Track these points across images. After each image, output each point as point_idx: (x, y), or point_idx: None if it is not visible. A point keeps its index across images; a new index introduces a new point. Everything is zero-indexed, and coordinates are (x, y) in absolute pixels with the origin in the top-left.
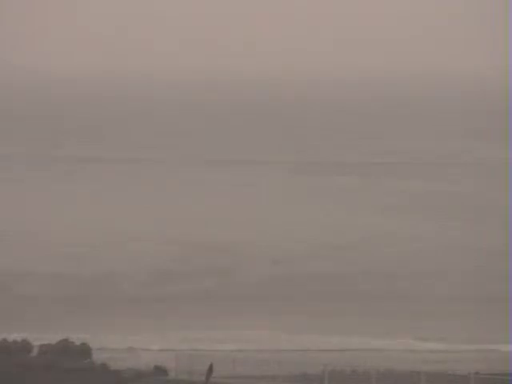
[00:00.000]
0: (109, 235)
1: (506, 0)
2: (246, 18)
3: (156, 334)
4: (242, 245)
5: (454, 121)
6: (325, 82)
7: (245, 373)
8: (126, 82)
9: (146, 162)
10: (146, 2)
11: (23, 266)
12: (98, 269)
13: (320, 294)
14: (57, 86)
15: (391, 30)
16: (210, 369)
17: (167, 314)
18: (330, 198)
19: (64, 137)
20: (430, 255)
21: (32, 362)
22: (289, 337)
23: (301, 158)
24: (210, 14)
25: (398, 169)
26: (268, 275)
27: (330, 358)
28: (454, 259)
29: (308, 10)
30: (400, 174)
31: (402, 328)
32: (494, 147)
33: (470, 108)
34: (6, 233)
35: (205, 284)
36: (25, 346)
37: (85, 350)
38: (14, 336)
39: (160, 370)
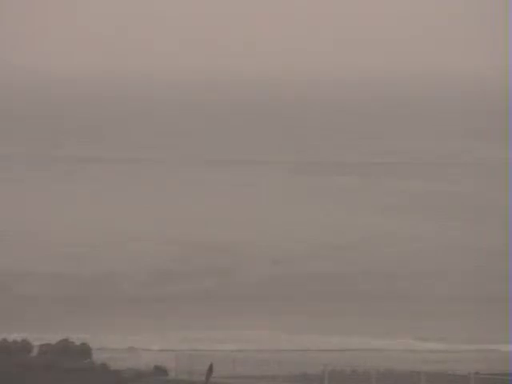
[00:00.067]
0: (109, 235)
1: (506, 0)
2: (245, 18)
3: (156, 334)
4: (241, 245)
5: (454, 121)
6: (325, 82)
7: (245, 373)
8: (125, 81)
9: (146, 162)
10: (146, 2)
11: (23, 266)
12: (98, 269)
13: (320, 294)
14: (57, 86)
15: (391, 30)
16: (210, 369)
17: (167, 314)
18: (330, 198)
19: (64, 137)
20: (429, 255)
21: (32, 362)
22: (289, 337)
23: (301, 158)
24: (209, 14)
25: (397, 169)
26: (268, 275)
27: (329, 357)
28: (453, 259)
29: (308, 10)
30: (400, 174)
31: (402, 328)
32: (494, 147)
33: (470, 108)
34: (5, 233)
35: (205, 284)
36: (25, 346)
37: (85, 350)
38: (14, 336)
39: (160, 370)
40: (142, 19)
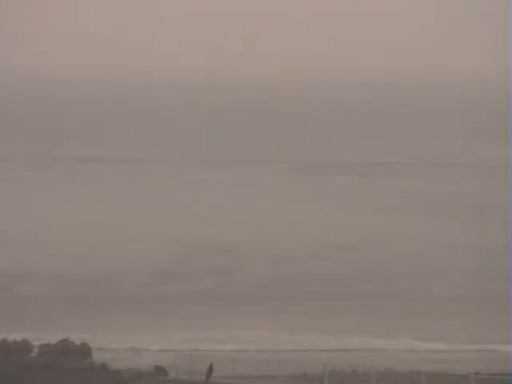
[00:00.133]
0: (109, 235)
1: (506, 0)
2: (246, 18)
3: (156, 334)
4: (241, 245)
5: (454, 121)
6: (325, 82)
7: (245, 373)
8: (125, 81)
9: (146, 162)
10: (146, 2)
11: (23, 266)
12: (98, 269)
13: (320, 294)
14: (57, 86)
15: (391, 30)
16: (210, 369)
17: (167, 314)
18: (330, 198)
19: (64, 137)
20: (429, 255)
21: (32, 362)
22: (289, 337)
23: (301, 158)
24: (210, 14)
25: (397, 169)
26: (268, 275)
27: (329, 357)
28: (454, 259)
29: (308, 10)
30: (400, 174)
31: (402, 328)
32: (494, 147)
33: (470, 108)
34: (5, 233)
35: (205, 284)
36: (25, 346)
37: (85, 350)
38: (14, 336)
39: (160, 370)
40: (142, 19)
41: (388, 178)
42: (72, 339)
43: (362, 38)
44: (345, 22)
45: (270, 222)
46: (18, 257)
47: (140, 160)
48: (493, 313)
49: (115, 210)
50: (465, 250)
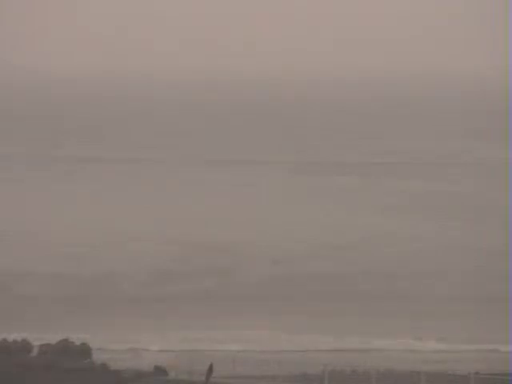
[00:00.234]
0: (109, 235)
1: (506, 0)
2: (246, 18)
3: (156, 334)
4: (241, 245)
5: (454, 121)
6: (325, 82)
7: (245, 373)
8: (125, 81)
9: (146, 162)
10: (146, 2)
11: (23, 266)
12: (98, 269)
13: (320, 294)
14: (57, 86)
15: (391, 30)
16: (210, 369)
17: (167, 314)
18: (330, 198)
19: (64, 137)
20: (430, 255)
21: (32, 361)
22: (289, 337)
23: (301, 158)
24: (210, 14)
25: (397, 169)
26: (268, 275)
27: (329, 358)
28: (454, 259)
29: (308, 10)
30: (400, 174)
31: (402, 328)
32: (494, 147)
33: (470, 108)
34: (5, 233)
35: (205, 284)
36: (25, 346)
37: (85, 350)
38: (14, 336)
39: (160, 370)
40: (142, 19)
41: (388, 178)
42: (72, 339)
43: (362, 37)
44: (345, 22)
45: (269, 221)
46: (17, 257)
47: (140, 160)
48: (493, 313)
49: (115, 210)
50: (465, 250)
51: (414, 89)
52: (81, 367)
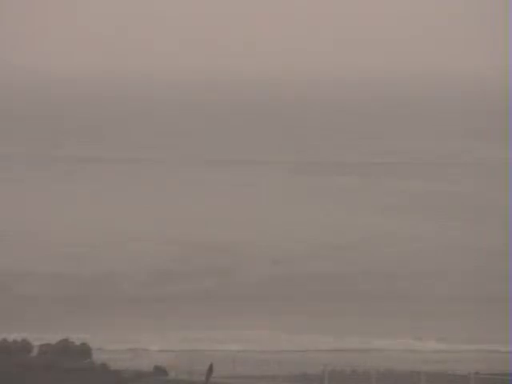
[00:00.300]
0: (109, 235)
1: (506, 0)
2: (246, 18)
3: (156, 334)
4: (241, 245)
5: (454, 121)
6: (325, 82)
7: (245, 373)
8: (125, 81)
9: (146, 162)
10: (146, 2)
11: (23, 266)
12: (98, 269)
13: (320, 294)
14: (57, 86)
15: (391, 30)
16: (210, 369)
17: (167, 314)
18: (330, 198)
19: (64, 137)
20: (430, 255)
21: (32, 361)
22: (289, 337)
23: (301, 158)
24: (210, 14)
25: (398, 169)
26: (268, 275)
27: (329, 358)
28: (454, 259)
29: (308, 10)
30: (400, 174)
31: (402, 328)
32: (494, 147)
33: (470, 108)
34: (6, 233)
35: (205, 284)
36: (25, 346)
37: (85, 350)
38: (14, 336)
39: (160, 370)
40: (142, 19)
41: (388, 177)
42: (72, 339)
43: (362, 38)
44: (345, 22)
45: (270, 221)
46: (17, 257)
47: (140, 160)
48: (493, 313)
49: (115, 210)
50: (465, 250)
51: (414, 89)
52: (81, 367)
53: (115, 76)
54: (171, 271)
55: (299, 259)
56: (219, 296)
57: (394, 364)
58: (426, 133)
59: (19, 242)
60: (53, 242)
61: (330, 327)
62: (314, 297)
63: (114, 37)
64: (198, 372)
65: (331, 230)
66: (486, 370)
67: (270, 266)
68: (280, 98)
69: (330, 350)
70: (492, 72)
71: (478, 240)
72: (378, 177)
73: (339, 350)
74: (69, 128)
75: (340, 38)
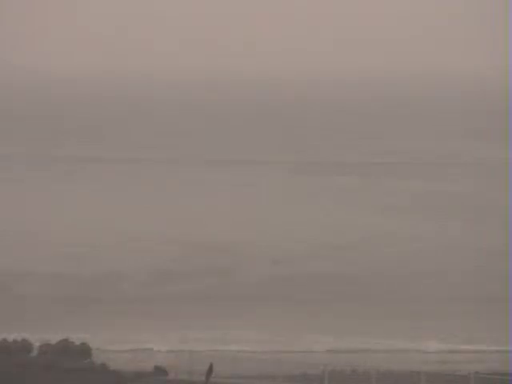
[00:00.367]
0: (109, 235)
1: (506, 0)
2: (246, 18)
3: (156, 333)
4: (242, 245)
5: (454, 121)
6: (325, 82)
7: (245, 373)
8: (125, 82)
9: (146, 162)
10: (146, 2)
11: (23, 266)
12: (98, 269)
13: (320, 294)
14: (57, 86)
15: (391, 30)
16: (210, 369)
17: (167, 314)
18: (330, 198)
19: (64, 137)
20: (429, 255)
21: (32, 361)
22: (289, 337)
23: (301, 158)
24: (210, 14)
25: (397, 169)
26: (268, 275)
27: (330, 358)
28: (454, 259)
29: (308, 10)
30: (400, 174)
31: (401, 328)
32: (493, 147)
33: (470, 108)
34: (6, 233)
35: (205, 284)
36: (25, 346)
37: (85, 350)
38: (14, 336)
39: (160, 370)
40: (142, 19)
41: (388, 178)
42: (72, 339)
43: (362, 38)
44: (345, 22)
45: (270, 221)
46: (17, 257)
47: (140, 160)
48: (493, 313)
49: (115, 210)
50: (465, 250)
51: (414, 89)
52: (81, 367)
53: (115, 76)
54: (171, 271)
55: (299, 259)
56: (219, 296)
57: (393, 364)
58: (426, 133)
59: (19, 241)
60: (53, 242)
61: (330, 327)
62: (313, 297)
63: (113, 37)
64: (197, 372)
65: (331, 229)
66: (486, 370)
67: (269, 266)
68: (280, 98)
69: (330, 350)
70: (492, 72)
71: (478, 240)
72: (378, 177)
73: (339, 350)
74: (69, 128)
75: (340, 38)
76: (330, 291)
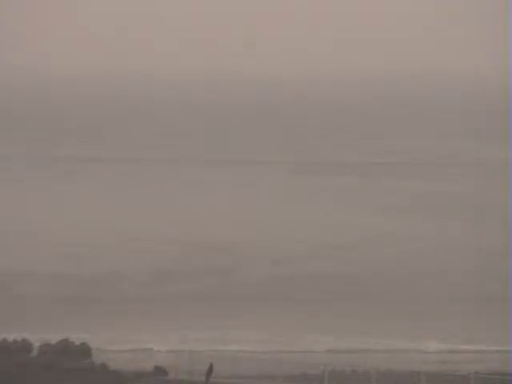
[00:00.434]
0: (109, 235)
1: (506, 0)
2: (246, 18)
3: (156, 333)
4: (242, 245)
5: (454, 121)
6: (325, 82)
7: (245, 373)
8: (125, 82)
9: (146, 162)
10: (146, 2)
11: (23, 266)
12: (98, 269)
13: (320, 294)
14: (57, 86)
15: (391, 30)
16: (210, 369)
17: (167, 314)
18: (330, 198)
19: (64, 137)
20: (429, 255)
21: (32, 361)
22: (289, 337)
23: (301, 158)
24: (210, 14)
25: (398, 169)
26: (268, 275)
27: (330, 358)
28: (454, 259)
29: (308, 10)
30: (400, 174)
31: (401, 328)
32: (494, 147)
33: (470, 108)
34: (6, 233)
35: (205, 284)
36: (25, 346)
37: (85, 350)
38: (14, 336)
39: (160, 370)
40: (142, 19)
41: (388, 178)
42: (72, 339)
43: (362, 38)
44: (345, 22)
45: (270, 221)
46: (17, 257)
47: (140, 160)
48: (493, 313)
49: (115, 210)
50: (465, 250)
51: (414, 89)
52: (81, 367)
53: (115, 76)
54: (171, 271)
55: (299, 259)
56: (219, 296)
57: (393, 364)
58: (426, 133)
59: (19, 241)
60: (53, 242)
61: (330, 327)
62: (313, 297)
63: (113, 37)
64: (198, 372)
65: (331, 229)
66: (486, 370)
67: (270, 266)
68: (280, 98)
69: (330, 350)
70: (492, 72)
71: (478, 240)
72: (378, 177)
73: (339, 350)
74: (69, 128)
75: (340, 38)
76: (330, 291)
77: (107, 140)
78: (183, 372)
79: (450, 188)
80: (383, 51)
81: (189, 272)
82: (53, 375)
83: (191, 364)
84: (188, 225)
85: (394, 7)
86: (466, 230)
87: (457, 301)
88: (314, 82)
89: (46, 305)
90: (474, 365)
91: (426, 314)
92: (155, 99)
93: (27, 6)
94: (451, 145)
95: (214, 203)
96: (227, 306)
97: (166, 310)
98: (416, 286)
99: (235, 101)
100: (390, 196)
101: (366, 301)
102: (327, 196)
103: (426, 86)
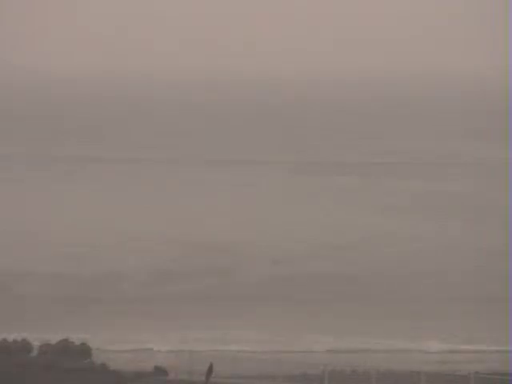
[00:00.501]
0: (109, 235)
1: (506, 0)
2: (246, 18)
3: (156, 333)
4: (242, 245)
5: (454, 121)
6: (325, 82)
7: (245, 373)
8: (125, 81)
9: (146, 162)
10: (146, 2)
11: (23, 266)
12: (98, 269)
13: (320, 294)
14: (57, 86)
15: (391, 30)
16: (210, 369)
17: (167, 314)
18: (330, 198)
19: (64, 137)
20: (429, 255)
21: (32, 361)
22: (289, 337)
23: (301, 158)
24: (210, 14)
25: (397, 169)
26: (268, 275)
27: (330, 358)
28: (454, 259)
29: (308, 10)
30: (400, 174)
31: (402, 328)
32: (494, 147)
33: (470, 108)
34: (6, 233)
35: (205, 284)
36: (25, 346)
37: (85, 350)
38: (14, 336)
39: (160, 370)
40: (142, 19)
41: (388, 178)
42: (72, 339)
43: (362, 38)
44: (345, 22)
45: (269, 221)
46: (17, 257)
47: (140, 160)
48: (493, 313)
49: (115, 210)
50: (465, 250)
51: (414, 89)
52: (81, 367)
53: (115, 76)
54: (171, 271)
55: (299, 259)
56: (219, 296)
57: (393, 364)
58: (426, 133)
59: (19, 241)
60: (53, 242)
61: (329, 327)
62: (314, 297)
63: (113, 37)
64: (197, 372)
65: (331, 230)
66: (486, 370)
67: (270, 266)
68: (280, 98)
69: (330, 350)
70: (492, 72)
71: (478, 240)
72: (378, 177)
73: (339, 350)
74: (69, 128)
75: (340, 38)
76: (330, 291)
77: (107, 140)
78: (183, 372)
79: (450, 188)
80: (383, 51)
81: (189, 272)
82: (53, 375)
83: (191, 364)
84: (188, 225)
85: (394, 7)
86: (466, 230)
87: (457, 301)
88: (313, 82)
89: (46, 305)
90: (474, 365)
91: (426, 314)
92: (155, 99)
93: (27, 6)
94: (451, 145)
95: (213, 203)
96: (227, 306)
97: (166, 310)
98: (416, 286)
99: (235, 101)
100: (390, 196)
101: (366, 301)
102: (327, 196)
103: (426, 86)
